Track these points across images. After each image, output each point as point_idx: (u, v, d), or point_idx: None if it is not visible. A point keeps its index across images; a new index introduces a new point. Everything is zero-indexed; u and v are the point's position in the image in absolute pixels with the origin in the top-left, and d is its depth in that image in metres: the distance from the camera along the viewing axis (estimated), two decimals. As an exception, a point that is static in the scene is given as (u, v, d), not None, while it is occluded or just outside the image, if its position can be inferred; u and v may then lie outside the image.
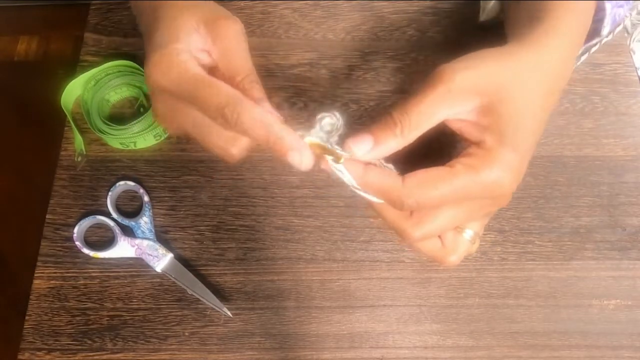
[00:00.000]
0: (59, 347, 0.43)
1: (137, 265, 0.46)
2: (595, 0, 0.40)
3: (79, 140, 0.49)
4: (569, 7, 0.36)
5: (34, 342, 0.43)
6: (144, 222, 0.46)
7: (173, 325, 0.44)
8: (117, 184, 0.47)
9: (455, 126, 0.34)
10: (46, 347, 0.43)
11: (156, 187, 0.48)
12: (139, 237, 0.46)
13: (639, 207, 0.48)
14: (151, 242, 0.46)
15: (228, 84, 0.31)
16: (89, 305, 0.45)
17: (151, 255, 0.45)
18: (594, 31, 0.44)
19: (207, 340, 0.44)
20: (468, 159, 0.32)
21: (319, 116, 0.31)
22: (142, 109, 0.51)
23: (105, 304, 0.45)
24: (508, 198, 0.34)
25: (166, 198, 0.48)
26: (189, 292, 0.44)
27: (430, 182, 0.31)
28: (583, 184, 0.49)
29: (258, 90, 0.33)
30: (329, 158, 0.31)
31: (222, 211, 0.48)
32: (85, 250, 0.45)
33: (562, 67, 0.35)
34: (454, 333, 0.44)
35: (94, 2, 0.55)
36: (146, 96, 0.50)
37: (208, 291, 0.44)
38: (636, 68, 0.53)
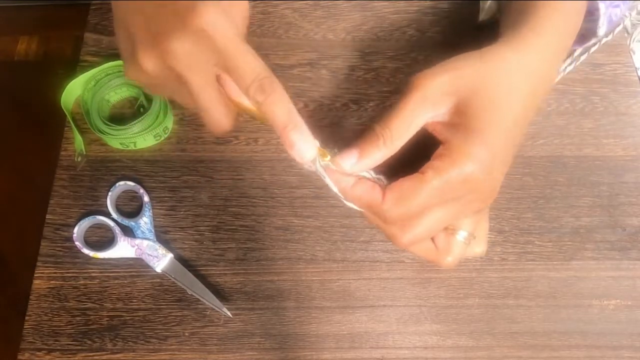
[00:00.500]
0: (59, 347, 0.43)
1: (137, 266, 0.46)
2: (585, 0, 0.40)
3: (79, 141, 0.49)
4: (555, 7, 0.36)
5: (34, 342, 0.43)
6: (144, 222, 0.46)
7: (173, 326, 0.44)
8: (117, 184, 0.47)
9: (431, 129, 0.35)
10: (46, 347, 0.43)
11: (156, 187, 0.48)
12: (139, 238, 0.46)
13: (639, 207, 0.48)
14: (151, 243, 0.46)
15: None
16: (89, 305, 0.45)
17: (151, 255, 0.45)
18: (590, 31, 0.44)
19: (207, 341, 0.44)
20: (437, 161, 0.33)
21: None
22: (142, 109, 0.51)
23: (105, 304, 0.45)
24: (490, 192, 0.35)
25: (166, 198, 0.48)
26: (189, 292, 0.44)
27: (405, 194, 0.32)
28: (583, 184, 0.49)
29: None
30: (319, 164, 0.33)
31: (222, 211, 0.48)
32: (85, 251, 0.45)
33: (546, 67, 0.36)
34: (454, 333, 0.44)
35: (94, 2, 0.55)
36: (146, 96, 0.50)
37: (208, 291, 0.44)
38: (636, 68, 0.53)
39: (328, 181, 0.34)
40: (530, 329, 0.45)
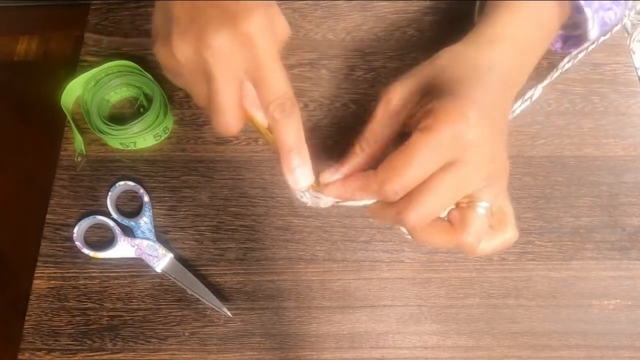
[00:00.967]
0: (59, 347, 0.43)
1: (137, 266, 0.46)
2: (560, 1, 0.40)
3: (79, 141, 0.49)
4: (512, 8, 0.39)
5: (34, 342, 0.44)
6: (144, 222, 0.46)
7: (173, 326, 0.44)
8: (117, 184, 0.47)
9: (411, 122, 0.35)
10: (46, 347, 0.43)
11: (156, 187, 0.48)
12: (139, 237, 0.46)
13: (639, 207, 0.48)
14: (151, 242, 0.46)
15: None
16: (89, 305, 0.45)
17: (151, 255, 0.45)
18: (582, 36, 0.44)
19: (207, 341, 0.44)
20: (421, 124, 0.32)
21: None
22: (142, 109, 0.51)
23: (105, 304, 0.45)
24: (492, 159, 0.33)
25: (166, 198, 0.48)
26: (189, 292, 0.44)
27: (398, 161, 0.32)
28: (583, 184, 0.49)
29: None
30: (309, 195, 0.35)
31: (222, 211, 0.48)
32: (85, 251, 0.45)
33: (513, 64, 0.37)
34: (454, 333, 0.44)
35: (94, 2, 0.55)
36: (146, 96, 0.50)
37: (208, 291, 0.44)
38: (636, 68, 0.53)
39: (322, 204, 0.35)
40: (530, 329, 0.45)
